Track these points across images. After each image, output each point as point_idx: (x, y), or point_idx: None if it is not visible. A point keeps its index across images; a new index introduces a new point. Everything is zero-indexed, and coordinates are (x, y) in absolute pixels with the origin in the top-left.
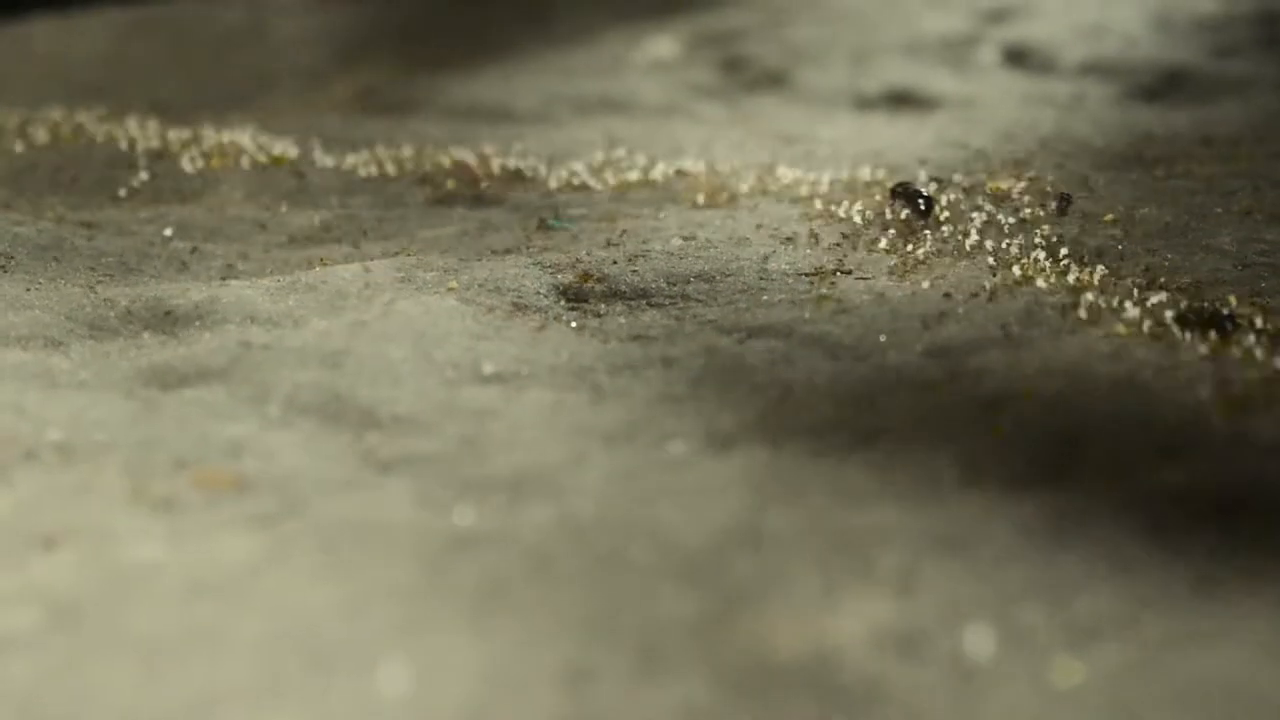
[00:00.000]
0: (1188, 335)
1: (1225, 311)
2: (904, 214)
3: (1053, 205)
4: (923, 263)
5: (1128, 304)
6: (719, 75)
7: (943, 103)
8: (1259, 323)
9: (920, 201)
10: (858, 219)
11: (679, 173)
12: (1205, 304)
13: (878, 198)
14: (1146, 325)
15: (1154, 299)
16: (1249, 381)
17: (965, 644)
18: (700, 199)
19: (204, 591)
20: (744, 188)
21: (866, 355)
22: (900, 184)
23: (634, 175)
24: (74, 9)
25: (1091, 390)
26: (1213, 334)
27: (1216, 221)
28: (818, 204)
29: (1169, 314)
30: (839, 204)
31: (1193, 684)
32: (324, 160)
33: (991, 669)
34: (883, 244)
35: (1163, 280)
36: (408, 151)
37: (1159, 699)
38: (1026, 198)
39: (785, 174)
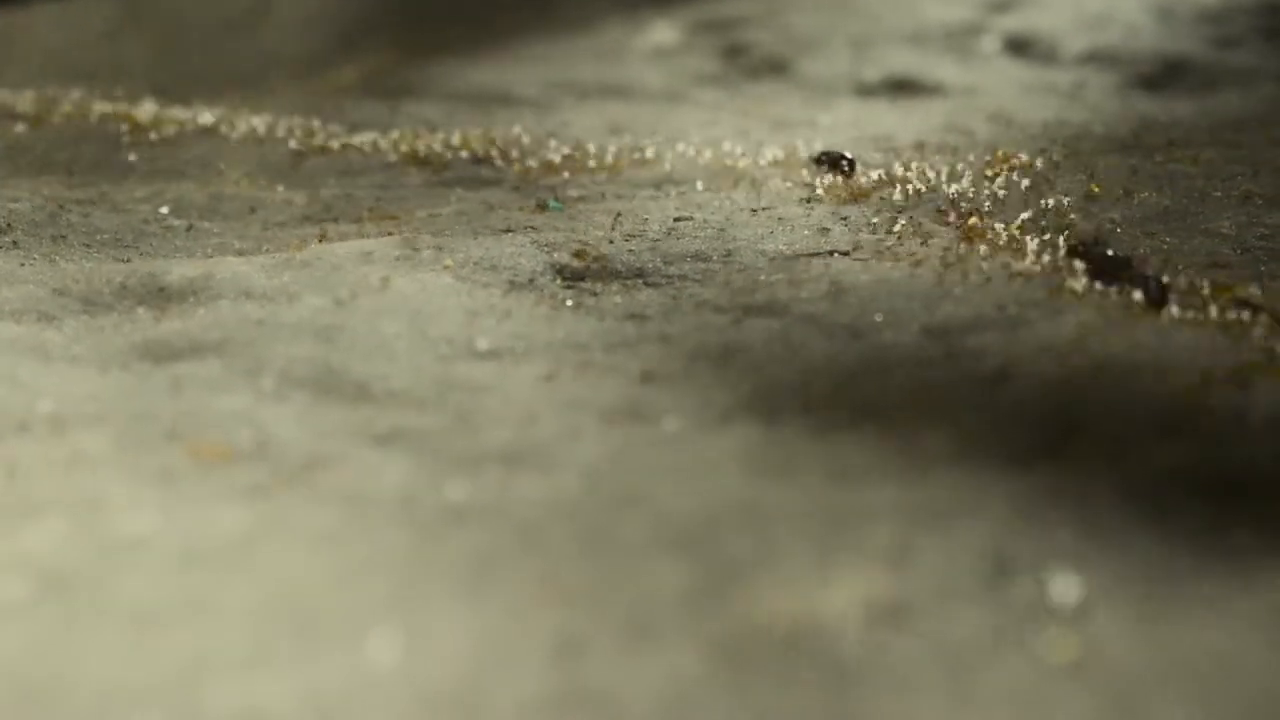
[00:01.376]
0: (1074, 265)
1: (1109, 251)
2: (829, 177)
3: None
4: (920, 244)
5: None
6: (720, 62)
7: (944, 91)
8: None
9: (844, 164)
10: (854, 200)
11: (678, 156)
12: (1093, 240)
13: (865, 180)
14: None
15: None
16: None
17: (1051, 591)
18: (698, 181)
19: (196, 562)
20: (742, 171)
21: (863, 334)
22: (824, 152)
23: (633, 159)
24: None
25: (1088, 368)
26: (1100, 269)
27: (1216, 206)
28: (815, 187)
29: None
30: (835, 186)
31: (1188, 660)
32: (323, 142)
33: (982, 643)
34: (881, 226)
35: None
36: (408, 134)
37: (1154, 675)
38: (1024, 183)
39: (783, 158)
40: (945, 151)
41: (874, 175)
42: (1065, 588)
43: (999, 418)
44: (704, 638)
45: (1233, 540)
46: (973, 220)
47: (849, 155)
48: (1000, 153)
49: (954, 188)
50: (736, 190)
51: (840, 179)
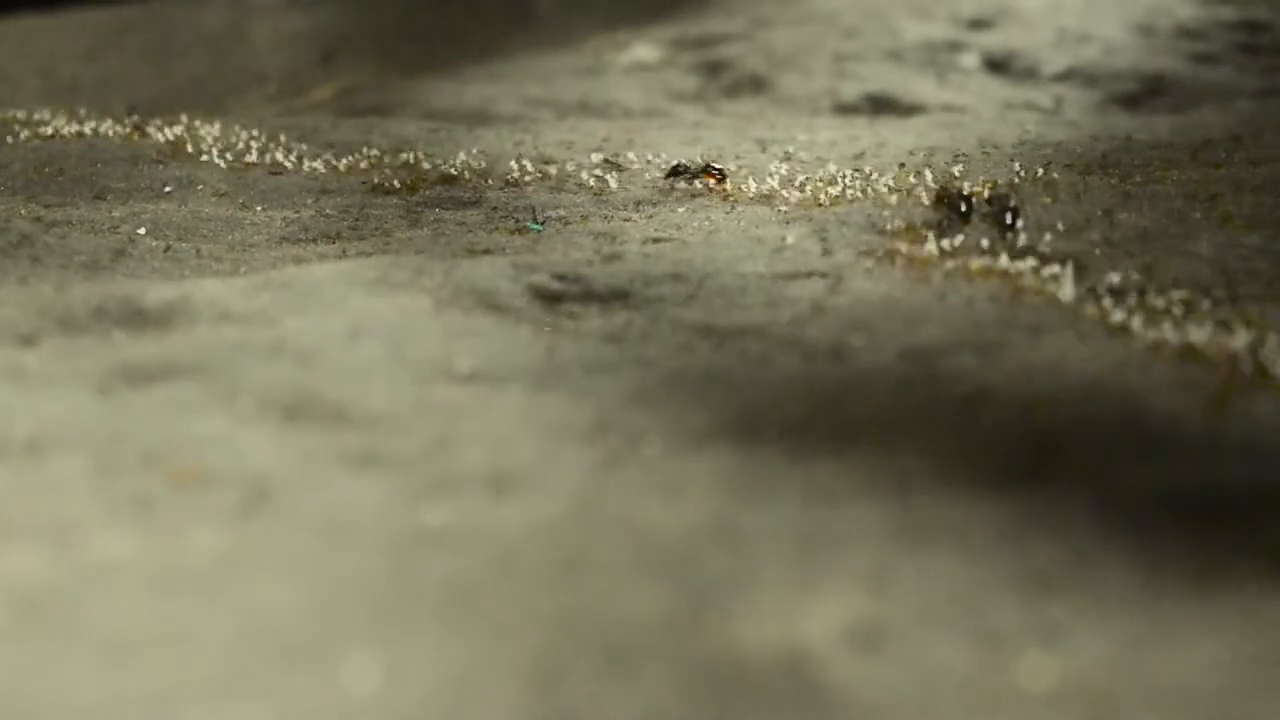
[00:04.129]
0: (941, 212)
1: (965, 193)
2: (684, 184)
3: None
4: (900, 265)
5: (1105, 307)
6: (699, 79)
7: (924, 109)
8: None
9: (715, 172)
10: (832, 221)
11: (661, 176)
12: (953, 187)
13: (847, 200)
14: (1127, 328)
15: (1132, 302)
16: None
17: None
18: (676, 200)
19: (171, 587)
20: (721, 190)
21: (842, 356)
22: (679, 163)
23: (612, 177)
24: (55, 9)
25: (1068, 391)
26: (954, 212)
27: (1195, 227)
28: (793, 206)
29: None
30: (814, 206)
31: (1170, 686)
32: (302, 161)
33: (962, 668)
34: (859, 246)
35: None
36: (386, 153)
37: (1135, 701)
38: (1003, 202)
39: (762, 177)
40: (924, 171)
41: (850, 193)
42: None
43: (978, 440)
44: (683, 664)
45: (1212, 563)
46: (950, 242)
47: (717, 166)
48: (977, 174)
49: (933, 205)
50: (715, 210)
51: (714, 184)
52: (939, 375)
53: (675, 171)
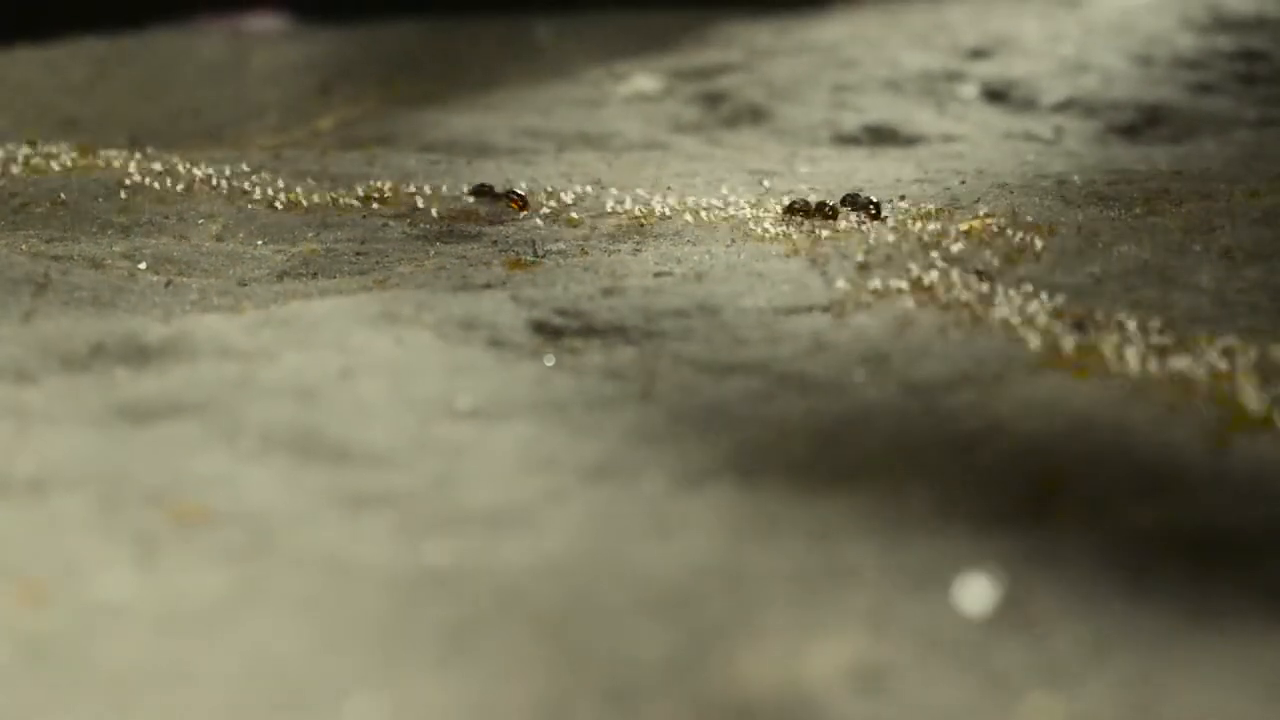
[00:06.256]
0: (796, 220)
1: (829, 204)
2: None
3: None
4: (900, 301)
5: (1107, 342)
6: (699, 110)
7: (923, 139)
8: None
9: (518, 197)
10: (834, 254)
11: (658, 207)
12: (810, 200)
13: (850, 230)
14: (1127, 363)
15: (1133, 337)
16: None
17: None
18: (678, 233)
19: (174, 628)
20: (721, 222)
21: (843, 392)
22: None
23: (612, 210)
24: (50, 39)
25: (1068, 428)
26: (808, 218)
27: (1196, 260)
28: (795, 239)
29: (780, 206)
30: (816, 239)
31: None
32: (301, 194)
33: (965, 708)
34: (859, 279)
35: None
36: (386, 186)
37: None
38: (1002, 235)
39: (763, 209)
40: (923, 201)
41: (844, 226)
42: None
43: (979, 477)
44: (685, 706)
45: (1215, 601)
46: (950, 277)
47: (519, 192)
48: (976, 207)
49: (933, 238)
50: (716, 243)
51: (515, 208)
52: (940, 411)
53: (479, 191)
